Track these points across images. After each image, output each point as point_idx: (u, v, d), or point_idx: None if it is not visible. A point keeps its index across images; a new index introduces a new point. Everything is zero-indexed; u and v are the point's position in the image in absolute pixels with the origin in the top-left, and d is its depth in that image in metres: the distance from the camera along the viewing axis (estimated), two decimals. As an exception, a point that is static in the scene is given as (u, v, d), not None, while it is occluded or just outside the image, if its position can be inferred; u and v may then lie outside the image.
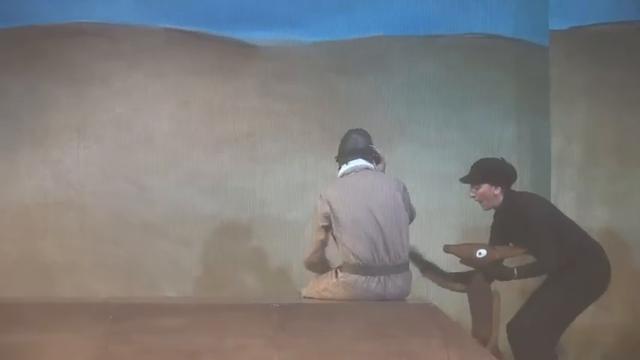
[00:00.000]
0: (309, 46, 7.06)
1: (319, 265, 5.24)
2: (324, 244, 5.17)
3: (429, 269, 5.58)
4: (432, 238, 6.89)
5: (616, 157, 6.79)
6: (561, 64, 6.85)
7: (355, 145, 5.28)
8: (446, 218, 6.94)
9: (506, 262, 5.39)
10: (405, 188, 5.17)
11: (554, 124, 6.79)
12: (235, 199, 6.86)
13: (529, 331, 5.35)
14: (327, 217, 5.09)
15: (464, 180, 5.56)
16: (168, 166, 6.85)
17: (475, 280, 5.40)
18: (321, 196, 5.15)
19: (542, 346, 5.39)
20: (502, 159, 5.59)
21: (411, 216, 5.21)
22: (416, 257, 5.51)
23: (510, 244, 5.46)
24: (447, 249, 5.43)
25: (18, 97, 6.88)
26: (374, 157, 5.27)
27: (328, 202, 5.08)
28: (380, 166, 5.29)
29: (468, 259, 5.36)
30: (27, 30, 6.92)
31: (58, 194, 6.82)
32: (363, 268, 5.02)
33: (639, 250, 6.66)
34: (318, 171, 6.58)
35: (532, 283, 5.85)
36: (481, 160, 5.59)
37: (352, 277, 5.03)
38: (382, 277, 5.02)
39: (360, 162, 5.21)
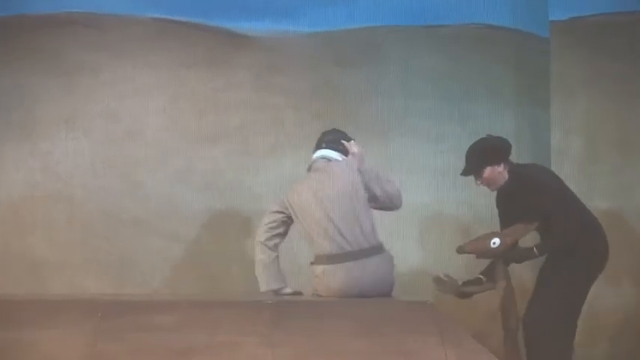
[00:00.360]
0: (303, 37, 7.05)
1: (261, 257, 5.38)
2: (273, 227, 5.37)
3: (462, 292, 5.61)
4: (430, 233, 6.92)
5: (618, 151, 6.78)
6: (561, 55, 6.84)
7: (322, 137, 5.48)
8: (444, 213, 6.94)
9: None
10: (364, 171, 5.23)
11: (554, 116, 6.78)
12: (228, 194, 6.85)
13: (537, 325, 5.36)
14: (285, 210, 5.33)
15: (465, 173, 5.55)
16: (159, 160, 6.83)
17: (497, 271, 5.43)
18: (286, 193, 5.40)
19: (555, 340, 5.40)
20: (489, 135, 5.61)
21: (381, 193, 5.24)
22: (445, 285, 5.56)
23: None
24: (461, 250, 5.47)
25: (6, 88, 6.84)
26: (340, 149, 5.32)
27: (290, 205, 5.32)
28: (350, 158, 5.32)
29: (484, 252, 5.39)
30: (16, 19, 6.89)
31: (47, 187, 6.78)
32: (329, 258, 5.17)
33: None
34: (312, 165, 6.58)
35: (530, 277, 5.87)
36: (472, 146, 5.59)
37: (321, 267, 5.20)
38: (349, 264, 5.12)
39: (320, 152, 5.41)
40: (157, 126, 6.88)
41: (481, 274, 5.62)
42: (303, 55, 7.06)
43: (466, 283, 5.64)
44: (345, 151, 5.38)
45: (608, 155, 6.78)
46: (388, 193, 5.26)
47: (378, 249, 5.19)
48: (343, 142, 5.38)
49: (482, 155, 5.48)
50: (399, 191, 5.32)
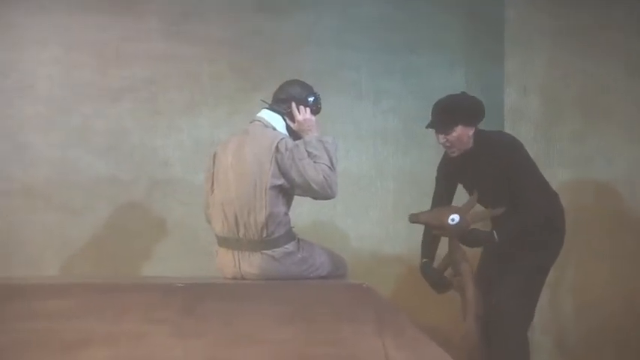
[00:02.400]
0: (222, -22, 7.03)
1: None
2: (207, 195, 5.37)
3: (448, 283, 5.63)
4: (367, 205, 6.95)
5: (581, 112, 6.86)
6: (518, 2, 6.87)
7: (276, 90, 5.38)
8: (382, 181, 6.98)
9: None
10: (285, 149, 5.06)
11: (509, 72, 6.83)
12: (132, 159, 6.82)
13: (504, 310, 5.42)
14: (209, 172, 5.31)
15: (433, 125, 5.51)
16: (52, 119, 6.76)
17: (455, 253, 5.45)
18: (218, 146, 5.38)
19: (518, 326, 5.49)
20: (464, 93, 5.61)
21: (300, 180, 5.06)
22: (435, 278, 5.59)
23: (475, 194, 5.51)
24: (415, 218, 5.44)
25: None
26: (286, 112, 5.28)
27: (214, 159, 5.30)
28: (295, 125, 5.26)
29: (439, 227, 5.39)
30: None
31: None
32: (219, 239, 5.24)
33: (606, 220, 6.76)
34: (232, 125, 6.54)
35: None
36: (445, 99, 5.54)
37: (217, 248, 5.27)
38: (235, 253, 5.14)
39: (261, 112, 5.31)
40: (50, 79, 6.81)
41: (424, 257, 5.66)
42: (222, 0, 7.01)
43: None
44: (291, 115, 5.30)
45: (570, 117, 6.85)
46: (309, 180, 5.04)
47: (270, 244, 5.09)
48: (294, 105, 5.30)
49: (457, 111, 5.46)
50: (328, 180, 5.06)
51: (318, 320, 4.44)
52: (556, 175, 6.53)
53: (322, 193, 5.10)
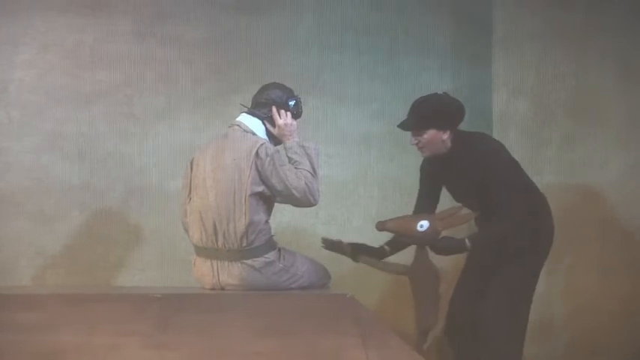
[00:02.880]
0: (200, -23, 7.02)
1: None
2: (184, 202, 5.37)
3: (360, 253, 5.61)
4: (351, 213, 6.94)
5: (572, 117, 6.86)
6: (507, 4, 6.88)
7: (256, 94, 5.39)
8: (366, 188, 6.97)
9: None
10: (265, 155, 5.07)
11: (498, 75, 6.84)
12: (107, 165, 6.77)
13: (491, 324, 5.40)
14: (187, 178, 5.31)
15: (404, 126, 5.51)
16: (24, 123, 6.71)
17: (417, 257, 5.42)
18: (196, 151, 5.38)
19: (510, 340, 5.46)
20: (446, 94, 5.59)
21: (281, 187, 5.08)
22: (337, 245, 5.56)
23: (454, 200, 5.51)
24: (383, 226, 5.40)
25: None
26: (266, 116, 5.27)
27: (191, 165, 5.30)
28: (275, 130, 5.26)
29: (408, 234, 5.36)
30: None
31: None
32: (197, 249, 5.24)
33: (597, 227, 6.77)
34: (210, 130, 6.54)
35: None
36: (422, 100, 5.53)
37: (195, 257, 5.26)
38: (214, 262, 5.13)
39: (240, 116, 5.32)
40: (22, 83, 6.75)
41: (386, 244, 5.65)
42: (199, 0, 7.00)
43: (364, 251, 5.66)
44: (271, 120, 5.29)
45: (560, 122, 6.85)
46: (291, 187, 5.06)
47: (250, 254, 5.08)
48: (274, 109, 5.28)
49: (430, 114, 5.45)
50: (310, 187, 5.10)
51: (299, 332, 4.45)
52: (545, 181, 6.53)
53: (304, 201, 5.11)
